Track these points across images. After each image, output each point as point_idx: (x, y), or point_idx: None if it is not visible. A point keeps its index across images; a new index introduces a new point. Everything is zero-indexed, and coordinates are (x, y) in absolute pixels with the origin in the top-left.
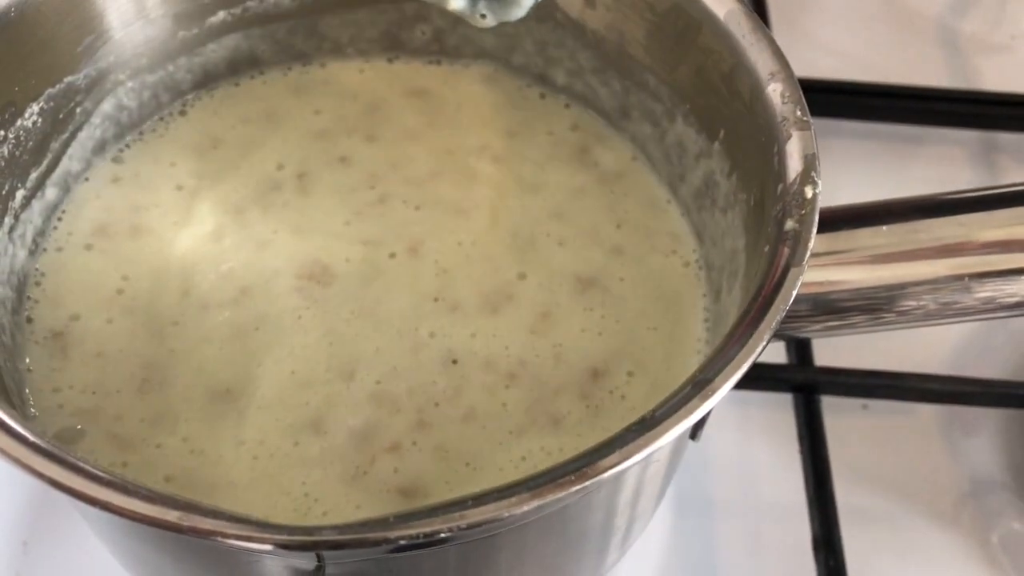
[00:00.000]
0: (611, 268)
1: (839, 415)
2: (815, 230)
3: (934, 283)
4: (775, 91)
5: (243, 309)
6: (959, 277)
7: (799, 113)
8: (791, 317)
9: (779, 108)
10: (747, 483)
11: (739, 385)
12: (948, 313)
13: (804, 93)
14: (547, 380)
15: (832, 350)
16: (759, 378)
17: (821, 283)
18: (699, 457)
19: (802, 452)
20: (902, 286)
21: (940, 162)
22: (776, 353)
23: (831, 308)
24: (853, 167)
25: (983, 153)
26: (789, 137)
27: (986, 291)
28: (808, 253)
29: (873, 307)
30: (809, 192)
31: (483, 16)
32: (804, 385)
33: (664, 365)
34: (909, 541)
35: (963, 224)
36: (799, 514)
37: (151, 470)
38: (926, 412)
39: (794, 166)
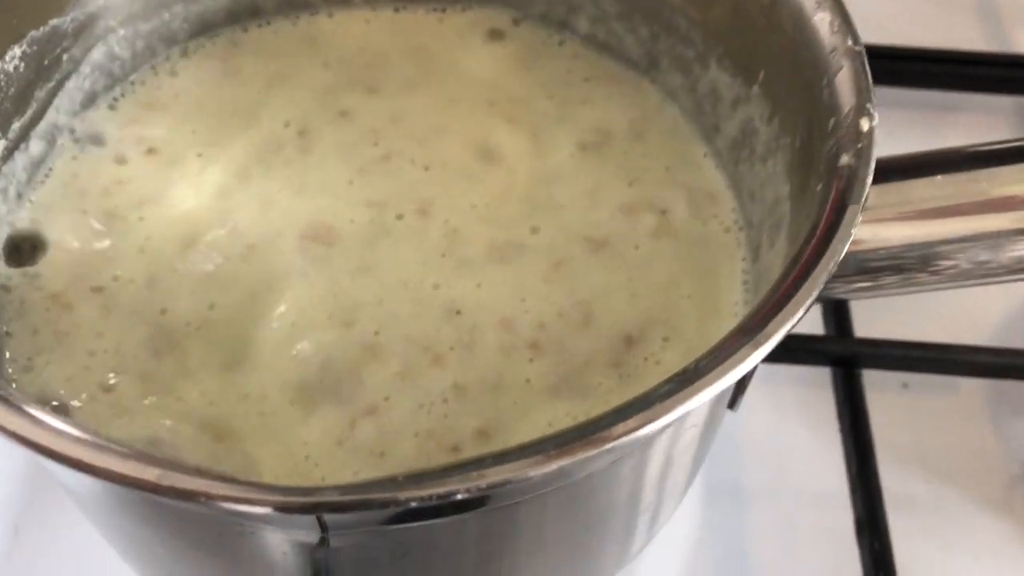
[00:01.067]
0: (636, 227)
1: (879, 393)
2: (873, 164)
3: (996, 236)
4: (823, 20)
5: (250, 267)
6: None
7: (850, 42)
8: (836, 276)
9: (828, 39)
10: (782, 466)
11: (773, 358)
12: (1008, 271)
13: None
14: (574, 348)
15: (872, 321)
16: (794, 350)
17: (870, 240)
18: (730, 438)
19: (842, 430)
20: (960, 239)
21: (978, 129)
22: (813, 324)
23: (880, 267)
24: (889, 134)
25: (1020, 119)
26: (840, 68)
27: None
28: (867, 189)
29: (925, 263)
30: (865, 125)
31: None
32: (843, 358)
33: (699, 332)
34: (957, 528)
35: None
36: (839, 498)
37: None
38: (972, 389)
39: (847, 98)
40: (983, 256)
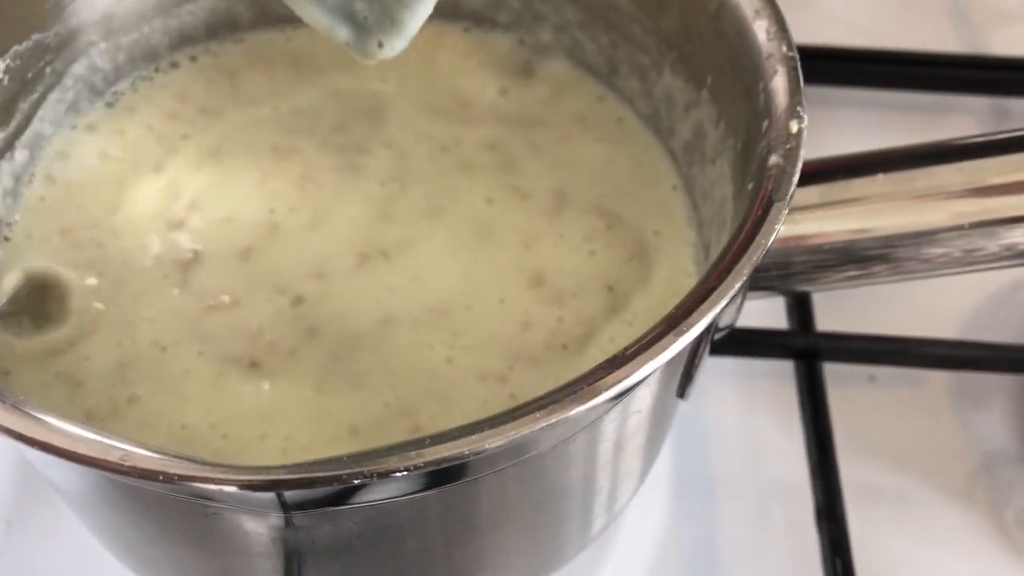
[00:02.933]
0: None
1: (844, 386)
2: (800, 164)
3: (934, 231)
4: (760, 28)
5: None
6: (959, 226)
7: (785, 49)
8: (787, 273)
9: (765, 45)
10: (748, 457)
11: (737, 352)
12: (948, 263)
13: (809, 61)
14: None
15: (835, 315)
16: (757, 343)
17: (815, 235)
18: (697, 430)
19: (804, 421)
20: (899, 236)
21: (950, 129)
22: (776, 318)
23: (827, 261)
24: (860, 136)
25: (994, 120)
26: (775, 74)
27: (995, 238)
28: (792, 187)
29: (869, 258)
30: (794, 127)
31: (380, 46)
32: (805, 351)
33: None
34: (919, 517)
35: (964, 170)
36: (802, 488)
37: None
38: (935, 382)
39: (780, 102)
40: (923, 251)
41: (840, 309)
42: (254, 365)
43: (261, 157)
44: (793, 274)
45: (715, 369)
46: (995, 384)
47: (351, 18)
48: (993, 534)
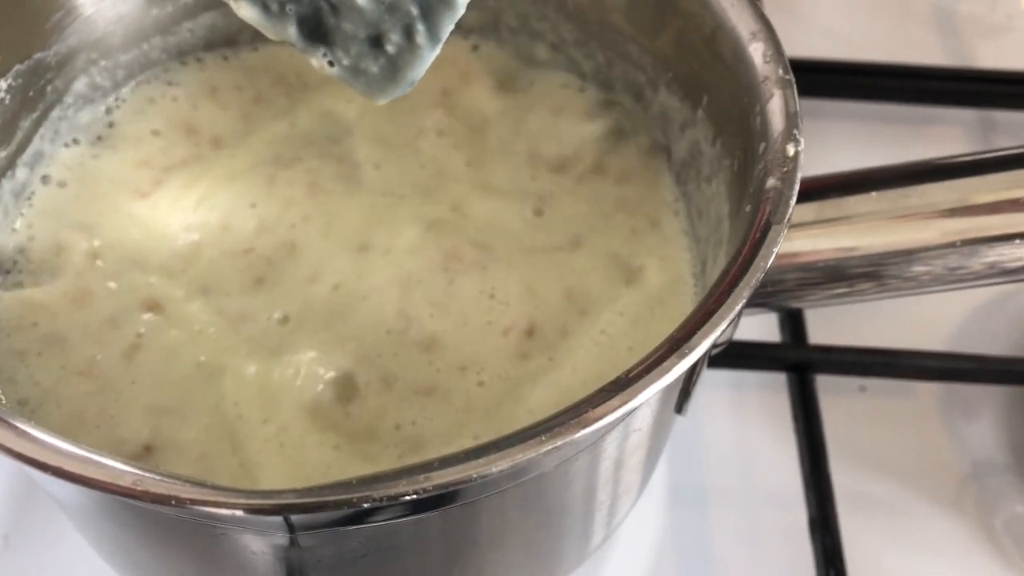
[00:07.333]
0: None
1: (836, 397)
2: (797, 187)
3: (925, 249)
4: (757, 51)
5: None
6: (951, 243)
7: (781, 72)
8: (780, 290)
9: (761, 68)
10: (742, 468)
11: (731, 364)
12: (937, 280)
13: (797, 73)
14: None
15: (827, 328)
16: (751, 356)
17: (806, 253)
18: (692, 441)
19: (796, 432)
20: (887, 255)
21: (937, 141)
22: (769, 331)
23: (815, 279)
24: (849, 148)
25: (980, 132)
26: (771, 96)
27: (981, 256)
28: (790, 210)
29: (856, 276)
30: (791, 150)
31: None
32: (798, 364)
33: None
34: (910, 526)
35: (955, 189)
36: (795, 498)
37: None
38: (925, 393)
39: (776, 125)
40: (909, 269)
41: (832, 322)
42: (267, 353)
43: (266, 168)
44: (782, 291)
45: (710, 381)
46: (984, 395)
47: (360, 73)
48: (982, 542)
